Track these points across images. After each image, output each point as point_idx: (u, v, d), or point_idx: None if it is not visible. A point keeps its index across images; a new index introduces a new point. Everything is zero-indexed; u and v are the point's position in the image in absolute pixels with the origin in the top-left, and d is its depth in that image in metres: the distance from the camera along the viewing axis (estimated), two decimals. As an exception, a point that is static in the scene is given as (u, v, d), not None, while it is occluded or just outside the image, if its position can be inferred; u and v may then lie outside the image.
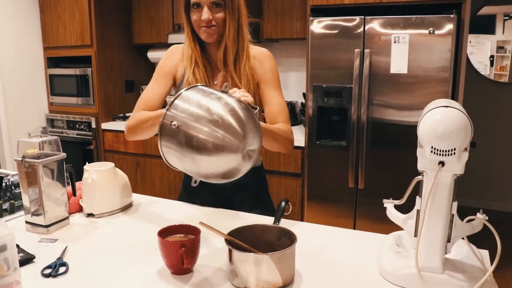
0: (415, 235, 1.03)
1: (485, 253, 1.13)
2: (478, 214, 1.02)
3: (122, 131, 3.32)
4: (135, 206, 1.50)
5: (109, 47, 3.39)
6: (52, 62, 3.54)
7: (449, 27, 2.24)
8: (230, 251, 0.96)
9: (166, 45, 3.51)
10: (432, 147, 0.89)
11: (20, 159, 1.22)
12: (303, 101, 3.20)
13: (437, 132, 0.87)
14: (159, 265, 1.05)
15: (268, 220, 1.32)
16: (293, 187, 2.88)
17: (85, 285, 0.98)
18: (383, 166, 2.53)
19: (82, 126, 3.38)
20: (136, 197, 1.58)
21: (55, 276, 1.01)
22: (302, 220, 2.84)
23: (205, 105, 0.95)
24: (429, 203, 0.95)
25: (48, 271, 1.03)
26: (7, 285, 0.89)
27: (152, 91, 1.47)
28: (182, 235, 1.07)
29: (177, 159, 0.95)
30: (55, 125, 3.54)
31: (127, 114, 3.53)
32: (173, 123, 0.93)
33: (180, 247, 0.97)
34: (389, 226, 2.80)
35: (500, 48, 4.15)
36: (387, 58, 2.39)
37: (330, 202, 2.72)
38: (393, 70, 2.39)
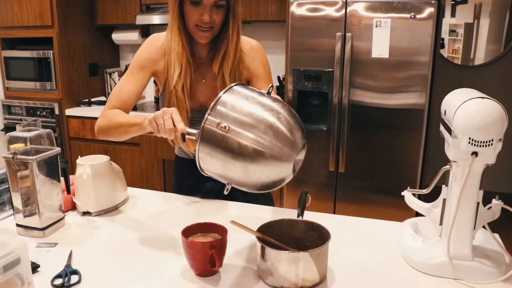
0: (440, 224, 1.03)
1: (496, 236, 1.16)
2: (493, 201, 1.03)
3: (88, 118, 3.13)
4: (132, 200, 1.41)
5: (72, 28, 3.15)
6: (6, 43, 3.25)
7: (430, 12, 2.26)
8: (263, 249, 0.91)
9: (133, 26, 3.34)
10: (470, 138, 0.88)
11: (11, 156, 1.10)
12: (277, 84, 3.16)
13: (476, 124, 0.87)
14: (180, 266, 0.99)
15: (271, 212, 1.29)
16: (272, 172, 2.85)
17: (106, 293, 0.90)
18: (364, 149, 2.56)
19: (44, 113, 3.16)
20: (130, 191, 1.48)
21: (68, 286, 0.92)
22: (281, 204, 2.83)
23: (257, 112, 0.90)
24: (459, 193, 0.95)
25: (59, 281, 0.94)
26: (23, 301, 0.80)
27: (126, 85, 1.33)
28: (201, 234, 1.01)
29: (219, 167, 0.90)
30: (13, 111, 3.27)
31: (92, 100, 3.33)
32: (222, 124, 0.87)
33: (210, 248, 0.91)
34: (367, 208, 2.85)
35: (452, 31, 4.31)
36: (368, 42, 2.39)
37: (310, 186, 2.72)
38: (375, 54, 2.39)
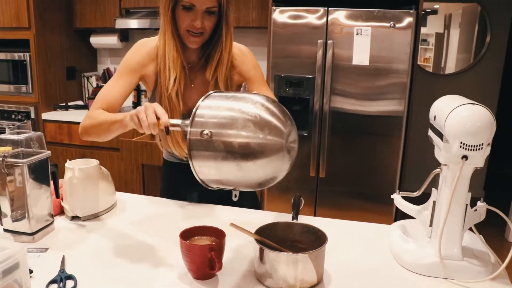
0: (430, 225, 1.07)
1: (481, 237, 1.21)
2: (478, 203, 1.08)
3: (65, 122, 3.07)
4: (120, 205, 1.40)
5: (49, 30, 3.09)
6: (-21, 45, 3.16)
7: (409, 21, 2.34)
8: (261, 251, 0.92)
9: (111, 30, 3.30)
10: (461, 143, 0.92)
11: (0, 158, 1.07)
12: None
13: (467, 128, 0.91)
14: (177, 269, 0.99)
15: (262, 216, 1.30)
16: (254, 177, 2.86)
17: (104, 298, 0.89)
18: (344, 155, 2.61)
19: (20, 116, 3.07)
20: (118, 195, 1.46)
21: (64, 291, 0.91)
22: (262, 209, 2.84)
23: (234, 107, 0.89)
24: (450, 195, 0.99)
25: (54, 286, 0.92)
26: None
27: (113, 88, 1.32)
28: (198, 237, 1.01)
29: (215, 172, 0.88)
30: (-15, 115, 3.17)
31: (69, 104, 3.26)
32: (204, 132, 0.86)
33: (209, 251, 0.91)
34: (347, 213, 2.88)
35: (423, 41, 4.45)
36: (349, 50, 2.45)
37: (291, 192, 2.75)
38: (355, 61, 2.45)
